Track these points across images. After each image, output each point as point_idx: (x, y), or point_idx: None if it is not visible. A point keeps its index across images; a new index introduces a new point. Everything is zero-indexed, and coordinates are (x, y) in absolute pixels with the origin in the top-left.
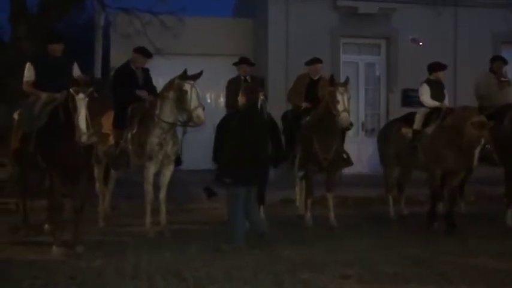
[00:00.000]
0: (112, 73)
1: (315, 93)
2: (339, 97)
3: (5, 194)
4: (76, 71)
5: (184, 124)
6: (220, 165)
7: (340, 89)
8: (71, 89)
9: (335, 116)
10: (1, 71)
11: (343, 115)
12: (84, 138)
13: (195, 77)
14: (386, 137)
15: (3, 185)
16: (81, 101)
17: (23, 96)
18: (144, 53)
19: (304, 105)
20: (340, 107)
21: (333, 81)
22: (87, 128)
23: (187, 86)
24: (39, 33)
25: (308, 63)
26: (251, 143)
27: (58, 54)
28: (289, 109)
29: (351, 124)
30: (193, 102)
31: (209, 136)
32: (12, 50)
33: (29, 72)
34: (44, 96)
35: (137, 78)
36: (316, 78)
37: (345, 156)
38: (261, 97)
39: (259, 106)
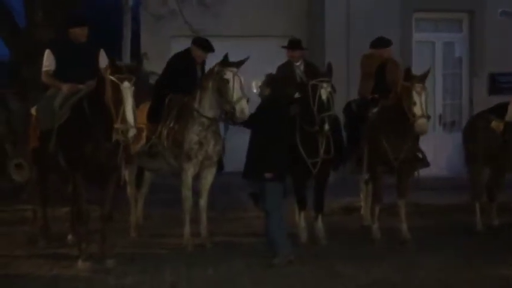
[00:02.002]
0: (142, 59)
1: (382, 78)
2: (416, 98)
3: (21, 200)
4: (103, 59)
5: (226, 120)
6: (257, 160)
7: (418, 86)
8: (112, 77)
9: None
10: (16, 61)
11: (421, 122)
12: (132, 132)
13: (239, 64)
14: (473, 132)
15: (20, 190)
16: (127, 90)
17: (41, 89)
18: (202, 46)
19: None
20: (417, 111)
21: (409, 74)
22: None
23: (229, 74)
24: (58, 18)
25: (372, 46)
26: (278, 137)
27: (82, 40)
28: (352, 99)
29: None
30: (236, 93)
31: None
32: (28, 37)
33: (48, 61)
34: (65, 88)
35: (196, 71)
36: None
37: (420, 155)
38: (328, 89)
39: (324, 99)
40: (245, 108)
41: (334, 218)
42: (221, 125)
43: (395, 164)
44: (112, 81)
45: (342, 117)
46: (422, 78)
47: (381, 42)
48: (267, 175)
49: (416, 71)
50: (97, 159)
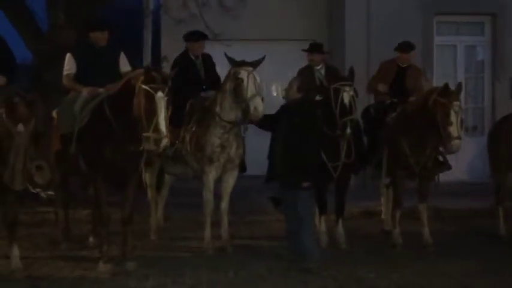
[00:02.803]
0: (162, 63)
1: (402, 84)
2: (453, 117)
3: (43, 202)
4: (123, 62)
5: (243, 119)
6: (292, 168)
7: (456, 105)
8: (146, 86)
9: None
10: (38, 64)
11: (455, 143)
12: (164, 142)
13: (255, 63)
14: (498, 135)
15: (41, 192)
16: (161, 101)
17: (62, 92)
18: (192, 37)
19: (388, 100)
20: (453, 132)
21: (446, 90)
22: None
23: (243, 74)
24: (80, 20)
25: (397, 50)
26: (313, 143)
27: (102, 44)
28: (371, 104)
29: None
30: (249, 91)
31: None
32: (50, 40)
33: (69, 64)
34: (85, 91)
35: (196, 69)
36: (404, 65)
37: (441, 159)
38: (351, 93)
39: (346, 103)
40: (259, 105)
41: (354, 222)
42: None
43: (416, 168)
44: (146, 90)
45: (361, 122)
46: (457, 94)
47: (407, 46)
48: (305, 184)
49: (438, 75)
50: (117, 161)
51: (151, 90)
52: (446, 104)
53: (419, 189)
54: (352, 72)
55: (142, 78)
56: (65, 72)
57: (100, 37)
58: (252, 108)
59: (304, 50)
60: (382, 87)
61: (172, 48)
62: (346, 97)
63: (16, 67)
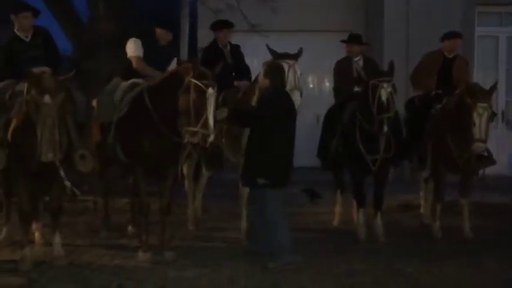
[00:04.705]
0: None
1: (448, 75)
2: (476, 119)
3: (83, 191)
4: (172, 66)
5: None
6: (251, 163)
7: (480, 107)
8: (198, 82)
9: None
10: (79, 54)
11: (477, 146)
12: (212, 138)
13: (297, 56)
14: None
15: (82, 181)
16: (212, 97)
17: (102, 82)
18: (218, 26)
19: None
20: (475, 133)
21: (471, 90)
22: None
23: (284, 66)
24: (119, 11)
25: (445, 38)
26: (281, 136)
27: (163, 43)
28: (416, 95)
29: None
30: (288, 84)
31: (311, 127)
32: (90, 31)
33: (138, 49)
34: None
35: (225, 57)
36: (451, 56)
37: (485, 153)
38: (388, 89)
39: (384, 100)
40: (297, 98)
41: (392, 215)
42: None
43: (459, 162)
44: (197, 85)
45: (403, 113)
46: (488, 94)
47: (452, 34)
48: (260, 181)
49: (479, 66)
50: (156, 152)
51: (203, 86)
52: (471, 105)
53: (461, 184)
54: (392, 66)
55: (192, 72)
56: (134, 53)
57: (164, 36)
58: None
59: (342, 41)
60: (430, 85)
61: (209, 39)
62: (383, 94)
63: (60, 58)
